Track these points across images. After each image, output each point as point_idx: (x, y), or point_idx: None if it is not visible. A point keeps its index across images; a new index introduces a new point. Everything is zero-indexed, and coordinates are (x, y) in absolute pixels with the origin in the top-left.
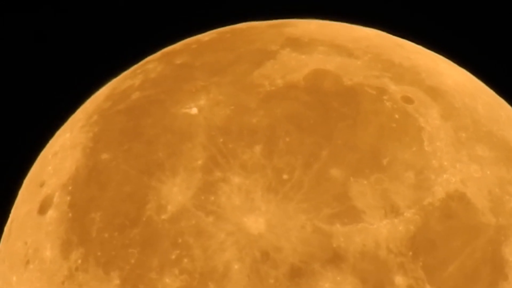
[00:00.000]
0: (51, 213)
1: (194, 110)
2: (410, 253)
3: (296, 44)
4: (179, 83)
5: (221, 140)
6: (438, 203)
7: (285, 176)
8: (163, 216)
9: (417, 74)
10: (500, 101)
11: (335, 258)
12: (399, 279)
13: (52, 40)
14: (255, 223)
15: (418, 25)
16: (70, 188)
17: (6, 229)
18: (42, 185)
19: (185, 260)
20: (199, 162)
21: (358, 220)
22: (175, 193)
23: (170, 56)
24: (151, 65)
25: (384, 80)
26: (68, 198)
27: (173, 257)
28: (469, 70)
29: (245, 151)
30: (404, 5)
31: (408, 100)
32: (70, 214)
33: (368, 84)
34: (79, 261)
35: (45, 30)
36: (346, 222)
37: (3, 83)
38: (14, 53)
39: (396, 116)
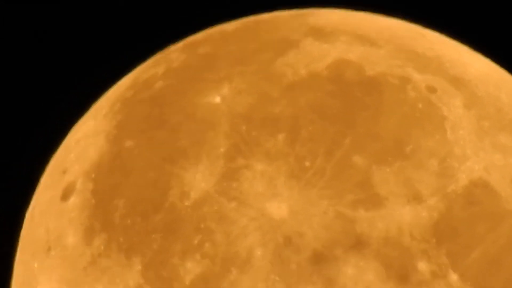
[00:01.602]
0: (73, 200)
1: (217, 99)
2: (434, 239)
3: (319, 33)
4: (202, 73)
5: (244, 128)
6: (461, 191)
7: (307, 163)
8: (186, 203)
9: (440, 63)
10: None
11: (358, 244)
12: (422, 265)
13: (76, 28)
14: (278, 209)
15: (441, 14)
16: (93, 175)
17: (28, 215)
18: (64, 172)
19: (207, 245)
20: (222, 149)
21: (381, 207)
22: (198, 180)
23: (193, 45)
24: (174, 54)
25: (407, 69)
26: (91, 185)
27: (196, 242)
28: (493, 59)
29: (268, 139)
30: None
31: (431, 89)
32: (93, 201)
33: (391, 73)
34: (102, 247)
35: (70, 18)
36: (369, 207)
37: (28, 69)
38: (38, 40)
39: (420, 105)
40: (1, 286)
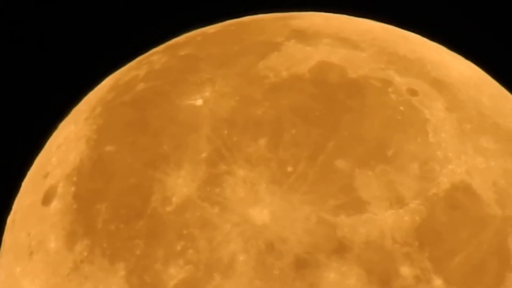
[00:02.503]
0: (55, 204)
1: (199, 102)
2: (416, 243)
3: (301, 36)
4: (184, 75)
5: (226, 132)
6: (443, 194)
7: (289, 168)
8: (168, 208)
9: (422, 66)
10: (506, 94)
11: (340, 249)
12: (405, 270)
13: (55, 30)
14: (260, 215)
15: (423, 17)
16: (74, 179)
17: (9, 220)
18: (46, 176)
19: (190, 251)
20: (204, 154)
21: (363, 211)
22: (180, 185)
23: (175, 48)
24: (156, 56)
25: (389, 72)
26: (73, 189)
27: (178, 248)
28: (475, 62)
29: (250, 144)
30: None
31: (413, 92)
32: (74, 205)
33: (373, 76)
34: (85, 253)
35: (48, 20)
36: (351, 213)
37: (6, 75)
38: (15, 44)
39: (401, 108)
40: None
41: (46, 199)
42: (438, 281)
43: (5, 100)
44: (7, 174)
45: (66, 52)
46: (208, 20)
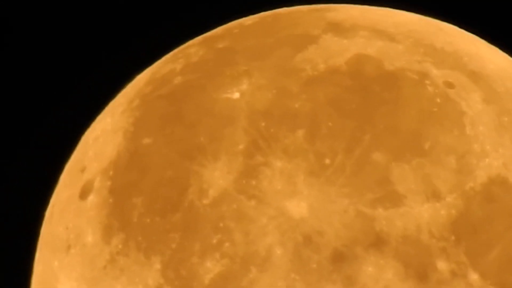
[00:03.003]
0: (92, 198)
1: (236, 95)
2: (453, 237)
3: (338, 28)
4: (221, 68)
5: (263, 124)
6: (480, 188)
7: (327, 161)
8: (205, 201)
9: (459, 58)
10: None
11: (378, 242)
12: (441, 264)
13: (93, 23)
14: (297, 207)
15: (459, 9)
16: (111, 173)
17: (47, 213)
18: (83, 170)
19: (227, 244)
20: (241, 146)
21: (399, 205)
22: (216, 177)
23: (212, 40)
24: (193, 49)
25: (425, 64)
26: (109, 183)
27: (215, 241)
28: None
29: (287, 135)
30: None
31: (450, 84)
32: (111, 200)
33: (409, 68)
34: (120, 246)
35: (87, 13)
36: (388, 206)
37: (44, 67)
38: (55, 36)
39: (438, 100)
40: (21, 284)
41: (83, 193)
42: (474, 276)
43: (43, 94)
44: (46, 167)
45: (102, 45)
46: (245, 11)
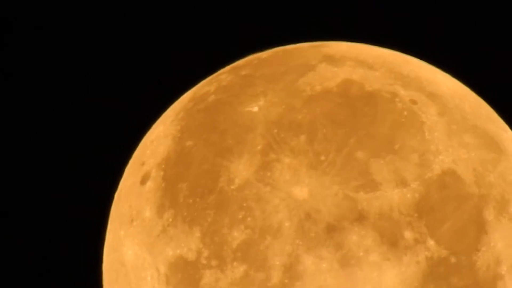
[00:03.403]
0: (149, 184)
1: (255, 109)
2: (416, 214)
3: (330, 60)
4: (244, 89)
5: (275, 131)
6: (436, 177)
7: (322, 157)
8: (232, 187)
9: (420, 82)
10: (481, 102)
11: (360, 218)
12: (407, 234)
13: (154, 60)
14: (300, 192)
15: (421, 45)
16: (163, 166)
17: (116, 196)
18: (143, 164)
19: (249, 219)
20: (259, 147)
21: (376, 190)
22: (240, 169)
23: (237, 69)
24: (223, 76)
25: (395, 87)
26: (162, 173)
27: (240, 217)
28: (459, 79)
29: (293, 139)
30: (411, 30)
31: (413, 101)
32: (163, 185)
33: (384, 89)
34: (170, 219)
35: (147, 54)
36: (367, 191)
37: (113, 88)
38: (119, 65)
39: (405, 113)
40: (96, 249)
41: (143, 181)
42: (431, 242)
43: (115, 108)
44: (116, 162)
45: (161, 73)
46: (262, 47)
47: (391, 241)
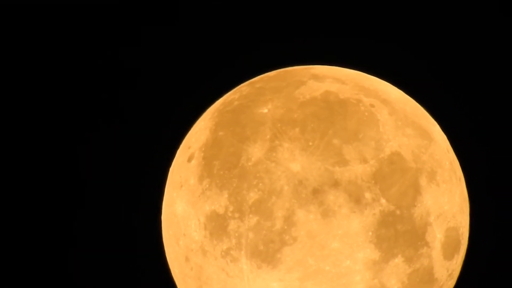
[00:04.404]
0: (193, 161)
1: (265, 110)
2: (373, 181)
3: (316, 77)
4: (258, 97)
5: (279, 125)
6: (387, 157)
7: (310, 143)
8: (250, 163)
9: (376, 92)
10: (417, 105)
11: (335, 184)
12: (367, 195)
13: (197, 74)
14: (295, 167)
15: (376, 67)
16: (203, 149)
17: (170, 169)
18: (189, 148)
19: (260, 184)
20: (267, 136)
21: (346, 165)
22: (255, 151)
23: (253, 83)
24: (244, 88)
25: (360, 95)
26: (202, 154)
27: (254, 183)
28: (402, 89)
29: (291, 131)
30: (369, 57)
31: (372, 105)
32: (203, 162)
33: (352, 97)
34: (207, 185)
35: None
36: (341, 165)
37: (167, 94)
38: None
39: (366, 114)
40: (157, 207)
41: (189, 159)
42: (383, 200)
43: (173, 109)
44: (171, 146)
45: (202, 88)
46: (270, 69)
47: (356, 200)
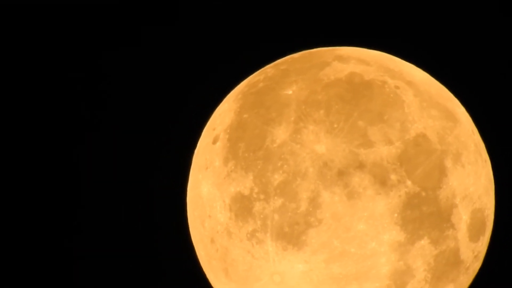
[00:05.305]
0: (218, 144)
1: (290, 92)
2: (398, 163)
3: (340, 59)
4: (282, 79)
5: (303, 107)
6: (412, 138)
7: (335, 125)
8: (274, 145)
9: (401, 73)
10: (442, 87)
11: (360, 165)
12: (393, 177)
13: (223, 58)
14: (320, 148)
15: (402, 48)
16: (228, 131)
17: (196, 151)
18: (214, 129)
19: (285, 166)
20: (292, 118)
21: (372, 147)
22: (280, 133)
23: (278, 65)
24: (268, 69)
25: (385, 77)
26: (227, 136)
27: (279, 165)
28: (427, 71)
29: (315, 113)
30: (395, 38)
31: (397, 87)
32: (228, 144)
33: (377, 79)
34: (232, 167)
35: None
36: (366, 147)
37: (199, 77)
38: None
39: (391, 95)
40: (182, 187)
41: (214, 141)
42: (408, 182)
43: (198, 91)
44: (196, 129)
45: (227, 70)
46: (295, 50)
47: (382, 181)
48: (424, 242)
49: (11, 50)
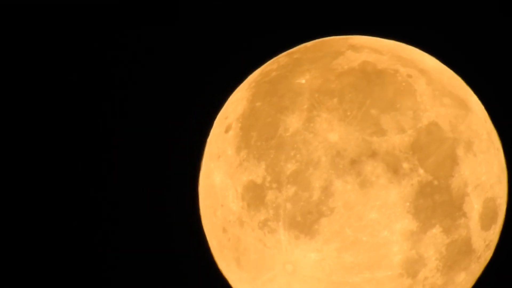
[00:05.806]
0: (231, 132)
1: (303, 81)
2: (411, 152)
3: (354, 48)
4: (295, 67)
5: (316, 95)
6: (424, 127)
7: (348, 113)
8: (287, 134)
9: (413, 62)
10: (454, 75)
11: (373, 154)
12: (405, 165)
13: (236, 48)
14: (333, 137)
15: (414, 37)
16: (240, 119)
17: (208, 140)
18: (226, 118)
19: (298, 156)
20: (305, 106)
21: (384, 135)
22: (293, 122)
23: (291, 54)
24: (281, 58)
25: (397, 66)
26: (239, 125)
27: (292, 154)
28: (439, 59)
29: (328, 101)
30: (407, 27)
31: (409, 76)
32: (240, 133)
33: (389, 68)
34: (245, 156)
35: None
36: (378, 136)
37: (212, 67)
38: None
39: (403, 84)
40: (194, 176)
41: (226, 130)
42: (421, 171)
43: (210, 80)
44: (208, 117)
45: (240, 59)
46: (308, 39)
47: (394, 170)
48: (436, 230)
49: (11, 50)
